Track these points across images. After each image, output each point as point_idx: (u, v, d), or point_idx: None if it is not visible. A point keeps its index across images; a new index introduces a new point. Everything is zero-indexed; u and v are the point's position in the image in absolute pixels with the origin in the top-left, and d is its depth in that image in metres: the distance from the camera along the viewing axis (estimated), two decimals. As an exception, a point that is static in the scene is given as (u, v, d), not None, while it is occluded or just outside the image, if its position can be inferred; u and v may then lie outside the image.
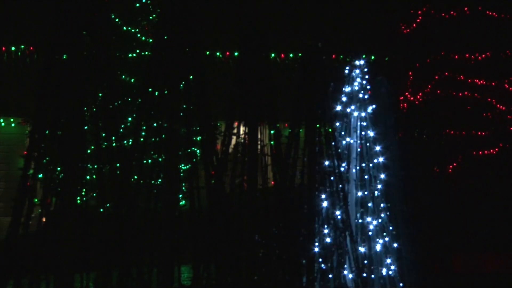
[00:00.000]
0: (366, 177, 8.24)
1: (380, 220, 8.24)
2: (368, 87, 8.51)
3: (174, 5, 6.62)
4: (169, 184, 6.42)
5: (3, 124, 13.46)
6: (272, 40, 7.91)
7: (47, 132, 5.97)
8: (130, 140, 6.83)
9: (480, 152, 14.33)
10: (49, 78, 6.02)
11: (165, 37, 6.61)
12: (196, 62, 6.71)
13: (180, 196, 7.35)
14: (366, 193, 8.23)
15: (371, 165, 8.37)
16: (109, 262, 5.90)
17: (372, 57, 13.70)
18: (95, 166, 6.25)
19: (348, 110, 8.53)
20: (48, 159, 5.96)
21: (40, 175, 5.96)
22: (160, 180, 6.55)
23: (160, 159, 6.64)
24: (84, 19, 6.13)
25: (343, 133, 8.45)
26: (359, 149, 8.35)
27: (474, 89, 14.78)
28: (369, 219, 8.14)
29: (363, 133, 8.46)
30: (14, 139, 12.98)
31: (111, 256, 5.91)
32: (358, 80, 8.57)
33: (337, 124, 8.42)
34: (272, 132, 7.35)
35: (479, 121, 14.47)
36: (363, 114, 8.50)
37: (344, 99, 8.57)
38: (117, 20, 11.30)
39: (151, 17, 11.63)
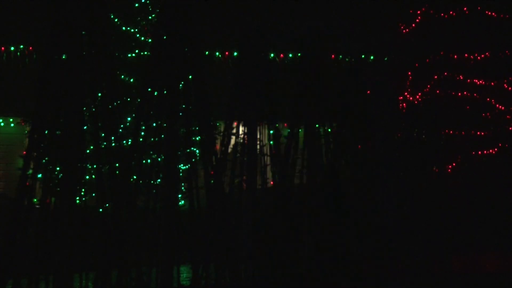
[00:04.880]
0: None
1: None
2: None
3: (173, 5, 6.62)
4: (168, 184, 6.42)
5: (2, 124, 13.44)
6: (271, 39, 7.91)
7: (46, 132, 5.97)
8: (129, 140, 6.83)
9: (480, 152, 14.34)
10: (48, 78, 6.02)
11: (164, 37, 6.61)
12: (195, 62, 6.70)
13: (180, 196, 7.35)
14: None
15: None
16: (108, 262, 5.90)
17: (371, 57, 13.71)
18: (94, 166, 6.25)
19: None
20: (47, 159, 5.95)
21: (39, 175, 5.95)
22: (159, 180, 6.54)
23: (159, 159, 6.63)
24: (83, 19, 6.13)
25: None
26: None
27: (473, 89, 14.80)
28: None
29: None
30: (13, 139, 12.94)
31: (110, 256, 5.91)
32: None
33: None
34: (271, 132, 7.35)
35: (478, 121, 14.50)
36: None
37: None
38: (116, 20, 11.30)
39: (150, 17, 11.62)
